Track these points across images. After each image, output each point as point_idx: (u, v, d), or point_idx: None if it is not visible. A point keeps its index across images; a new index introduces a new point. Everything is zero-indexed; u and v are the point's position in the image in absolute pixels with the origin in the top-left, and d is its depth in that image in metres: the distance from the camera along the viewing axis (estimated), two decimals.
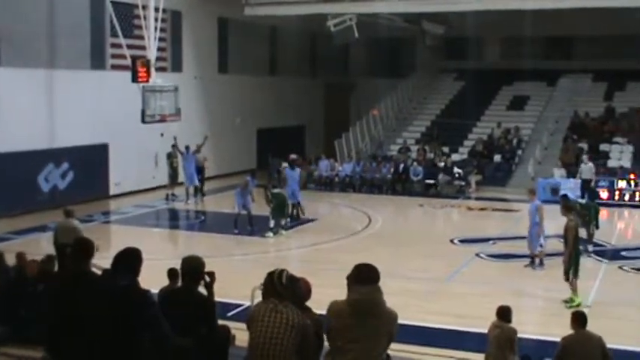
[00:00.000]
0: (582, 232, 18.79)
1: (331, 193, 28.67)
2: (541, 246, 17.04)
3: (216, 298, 7.00)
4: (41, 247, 17.87)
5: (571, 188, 26.59)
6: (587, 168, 26.35)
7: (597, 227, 19.19)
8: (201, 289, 6.86)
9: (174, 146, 26.28)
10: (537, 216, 16.95)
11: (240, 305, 12.76)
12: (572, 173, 27.56)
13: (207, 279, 6.84)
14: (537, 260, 17.04)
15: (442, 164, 29.49)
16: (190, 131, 28.66)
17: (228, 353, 7.17)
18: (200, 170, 27.34)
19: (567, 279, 14.12)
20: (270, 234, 20.33)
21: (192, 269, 6.73)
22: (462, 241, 20.09)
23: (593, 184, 26.06)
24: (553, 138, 31.71)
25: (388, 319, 5.99)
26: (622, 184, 26.40)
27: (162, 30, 23.78)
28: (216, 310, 6.85)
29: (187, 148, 26.21)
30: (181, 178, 26.75)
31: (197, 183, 26.83)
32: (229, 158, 32.82)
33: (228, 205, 22.08)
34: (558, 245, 19.50)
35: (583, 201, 20.54)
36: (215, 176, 31.64)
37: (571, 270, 14.07)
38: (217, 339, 6.93)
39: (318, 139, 39.90)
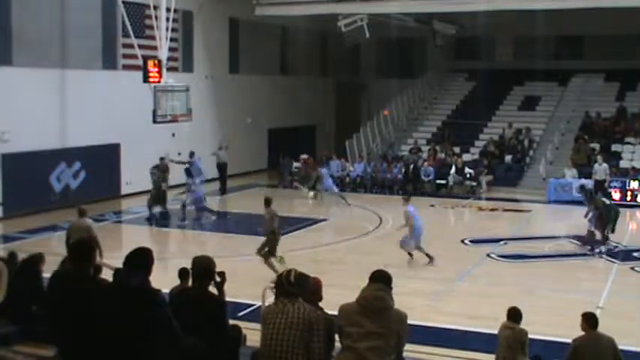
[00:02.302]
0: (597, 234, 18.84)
1: (342, 194, 28.63)
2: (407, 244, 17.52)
3: (227, 298, 7.02)
4: (53, 246, 17.99)
5: None
6: (601, 169, 26.20)
7: (613, 231, 19.12)
8: (212, 289, 6.88)
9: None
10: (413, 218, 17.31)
11: (251, 305, 12.78)
12: (583, 174, 27.44)
13: (218, 279, 6.86)
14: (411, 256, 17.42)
15: (453, 165, 29.39)
16: (201, 131, 28.80)
17: (239, 353, 7.18)
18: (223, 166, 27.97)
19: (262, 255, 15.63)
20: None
21: (203, 269, 6.74)
22: (472, 241, 20.05)
23: (606, 184, 25.94)
24: (564, 138, 31.60)
25: (396, 318, 6.06)
26: (634, 184, 26.26)
27: (173, 30, 23.88)
28: (227, 310, 6.86)
29: (192, 153, 25.97)
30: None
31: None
32: (240, 158, 32.84)
33: (239, 205, 22.24)
34: (570, 247, 19.53)
35: (607, 201, 20.25)
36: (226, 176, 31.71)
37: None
38: (228, 339, 6.94)
39: (328, 139, 39.91)
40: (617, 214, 19.33)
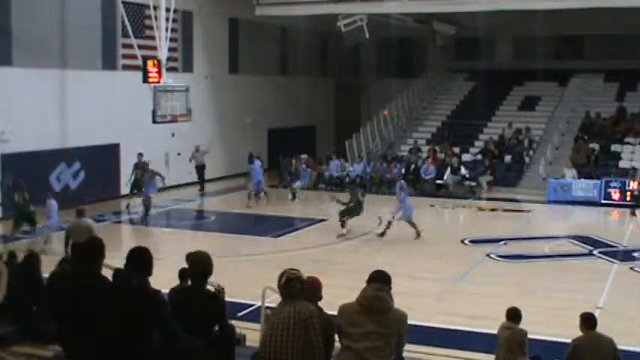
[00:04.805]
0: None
1: (341, 194, 28.57)
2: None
3: (227, 298, 7.01)
4: (52, 246, 17.97)
5: (583, 189, 26.55)
6: None
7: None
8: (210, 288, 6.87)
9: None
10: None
11: (250, 305, 12.77)
12: (583, 174, 27.46)
13: (218, 286, 6.86)
14: None
15: (449, 164, 29.34)
16: (201, 131, 28.82)
17: (234, 353, 7.18)
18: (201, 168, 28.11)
19: None
20: None
21: (199, 266, 6.71)
22: (472, 241, 20.05)
23: None
24: (564, 138, 31.61)
25: (396, 318, 6.06)
26: (634, 184, 26.24)
27: (173, 30, 23.84)
28: (226, 308, 6.83)
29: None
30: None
31: None
32: (240, 158, 32.83)
33: (238, 206, 22.26)
34: (570, 247, 19.54)
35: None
36: (225, 176, 31.73)
37: None
38: (229, 337, 6.94)
39: (328, 139, 39.90)
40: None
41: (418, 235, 20.10)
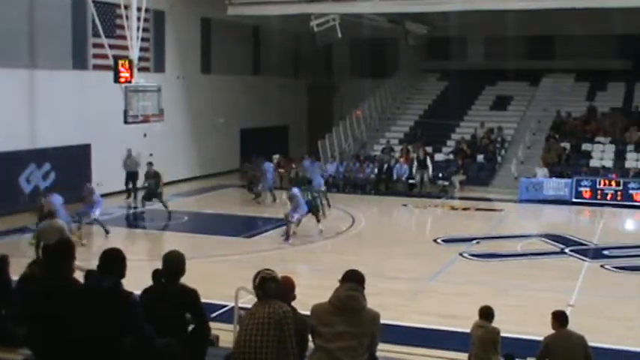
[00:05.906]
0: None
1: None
2: None
3: (201, 299, 6.95)
4: (22, 248, 17.77)
5: (554, 188, 26.78)
6: None
7: None
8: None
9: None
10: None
11: (224, 306, 12.70)
12: (554, 172, 27.70)
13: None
14: None
15: (416, 159, 29.38)
16: (173, 131, 28.66)
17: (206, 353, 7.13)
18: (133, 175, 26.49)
19: None
20: None
21: (175, 265, 6.68)
22: (445, 240, 20.13)
23: None
24: (535, 138, 31.86)
25: (369, 317, 6.05)
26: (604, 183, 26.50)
27: (144, 30, 23.68)
28: (202, 306, 6.78)
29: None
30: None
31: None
32: (212, 158, 32.76)
33: (211, 206, 22.10)
34: (541, 245, 19.70)
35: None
36: (198, 177, 31.60)
37: None
38: (204, 336, 6.89)
39: (301, 139, 39.88)
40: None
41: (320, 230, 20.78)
